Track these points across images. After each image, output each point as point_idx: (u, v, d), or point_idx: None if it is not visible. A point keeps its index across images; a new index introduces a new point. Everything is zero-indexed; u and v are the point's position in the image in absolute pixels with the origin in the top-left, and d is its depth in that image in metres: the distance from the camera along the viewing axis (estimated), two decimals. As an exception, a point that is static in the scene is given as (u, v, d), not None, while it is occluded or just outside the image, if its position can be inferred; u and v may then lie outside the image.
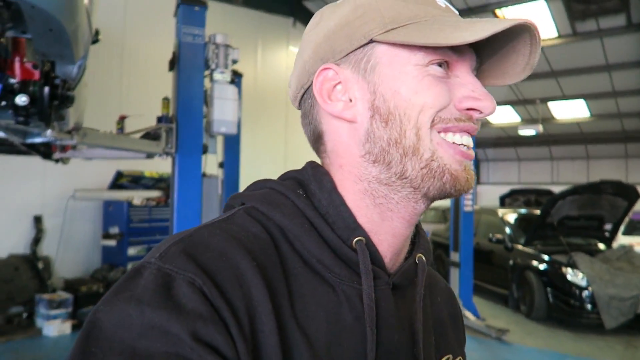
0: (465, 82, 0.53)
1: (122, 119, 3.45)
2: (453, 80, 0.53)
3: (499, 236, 7.05)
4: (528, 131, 13.71)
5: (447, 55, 0.52)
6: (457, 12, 0.57)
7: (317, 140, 0.59)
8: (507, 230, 7.19)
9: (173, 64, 3.36)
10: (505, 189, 12.90)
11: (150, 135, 3.09)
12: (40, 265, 5.47)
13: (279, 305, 0.46)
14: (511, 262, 6.71)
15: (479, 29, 0.47)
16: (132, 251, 6.05)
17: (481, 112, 0.53)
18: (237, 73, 4.21)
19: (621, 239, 7.43)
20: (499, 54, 0.56)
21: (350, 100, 0.54)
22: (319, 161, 0.60)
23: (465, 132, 0.53)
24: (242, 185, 5.26)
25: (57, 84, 1.95)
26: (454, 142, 0.53)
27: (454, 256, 6.18)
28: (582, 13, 9.01)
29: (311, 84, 0.56)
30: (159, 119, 3.22)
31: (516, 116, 15.05)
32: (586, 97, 13.00)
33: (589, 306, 5.51)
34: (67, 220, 5.95)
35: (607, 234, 6.92)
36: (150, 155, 3.40)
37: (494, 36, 0.49)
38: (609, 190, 6.25)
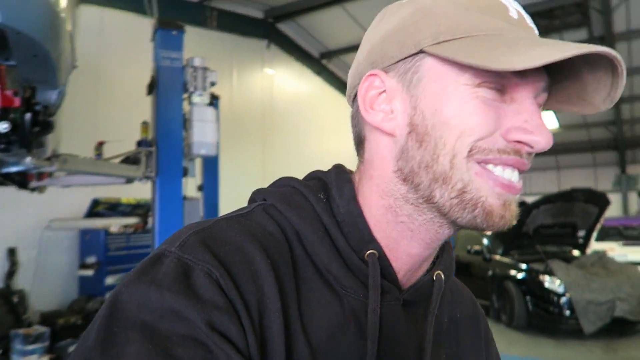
0: (521, 110, 0.48)
1: (100, 144, 3.44)
2: (508, 106, 0.48)
3: (477, 247, 7.18)
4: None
5: (503, 77, 0.47)
6: (531, 25, 0.50)
7: (359, 144, 0.57)
8: (485, 241, 7.32)
9: (152, 87, 3.38)
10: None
11: (130, 160, 3.09)
12: (15, 299, 5.30)
13: (287, 306, 0.46)
14: (490, 272, 6.82)
15: (537, 54, 0.42)
16: (110, 280, 5.92)
17: (532, 147, 0.47)
18: (215, 95, 4.25)
19: (594, 245, 7.63)
20: (578, 76, 0.50)
21: (392, 112, 0.51)
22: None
23: (509, 167, 0.48)
24: (222, 207, 5.25)
25: (38, 110, 1.95)
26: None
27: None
28: (546, 28, 9.41)
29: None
30: (139, 143, 3.22)
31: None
32: (553, 109, 13.47)
33: (567, 312, 5.62)
34: (43, 252, 5.81)
35: (580, 241, 7.12)
36: (129, 180, 3.39)
37: (569, 60, 0.44)
38: (580, 197, 6.45)
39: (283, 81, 10.53)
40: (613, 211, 7.20)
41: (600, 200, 6.54)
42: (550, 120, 14.33)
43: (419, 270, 0.56)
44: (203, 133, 3.43)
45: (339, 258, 0.50)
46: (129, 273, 0.45)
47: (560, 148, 16.59)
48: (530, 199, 8.38)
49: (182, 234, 0.47)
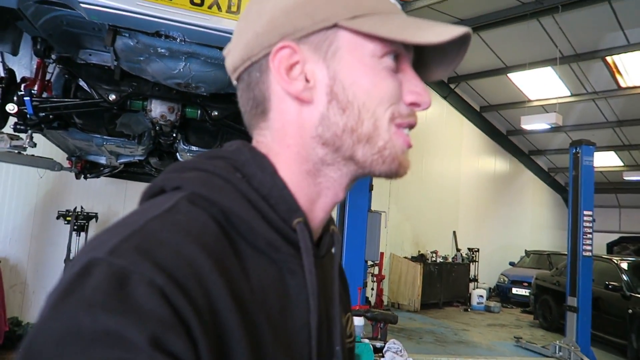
0: (409, 77, 0.55)
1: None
2: (400, 75, 0.55)
3: (615, 284, 6.99)
4: (633, 177, 13.26)
5: (399, 48, 0.54)
6: (402, 10, 0.59)
7: (259, 115, 0.57)
8: (624, 277, 7.09)
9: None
10: (604, 237, 12.51)
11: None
12: None
13: (240, 294, 0.46)
14: (630, 310, 6.61)
15: (441, 31, 0.50)
16: None
17: (420, 107, 0.55)
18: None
19: None
20: (426, 52, 0.59)
21: (308, 81, 0.53)
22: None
23: (408, 127, 0.56)
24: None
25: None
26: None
27: (572, 301, 6.22)
28: None
29: (262, 57, 0.54)
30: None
31: (619, 161, 14.55)
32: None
33: None
34: None
35: None
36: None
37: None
38: None
39: (412, 105, 10.88)
40: None
41: None
42: None
43: (321, 227, 0.60)
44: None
45: (274, 230, 0.52)
46: (53, 291, 0.39)
47: None
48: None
49: (110, 239, 0.42)
